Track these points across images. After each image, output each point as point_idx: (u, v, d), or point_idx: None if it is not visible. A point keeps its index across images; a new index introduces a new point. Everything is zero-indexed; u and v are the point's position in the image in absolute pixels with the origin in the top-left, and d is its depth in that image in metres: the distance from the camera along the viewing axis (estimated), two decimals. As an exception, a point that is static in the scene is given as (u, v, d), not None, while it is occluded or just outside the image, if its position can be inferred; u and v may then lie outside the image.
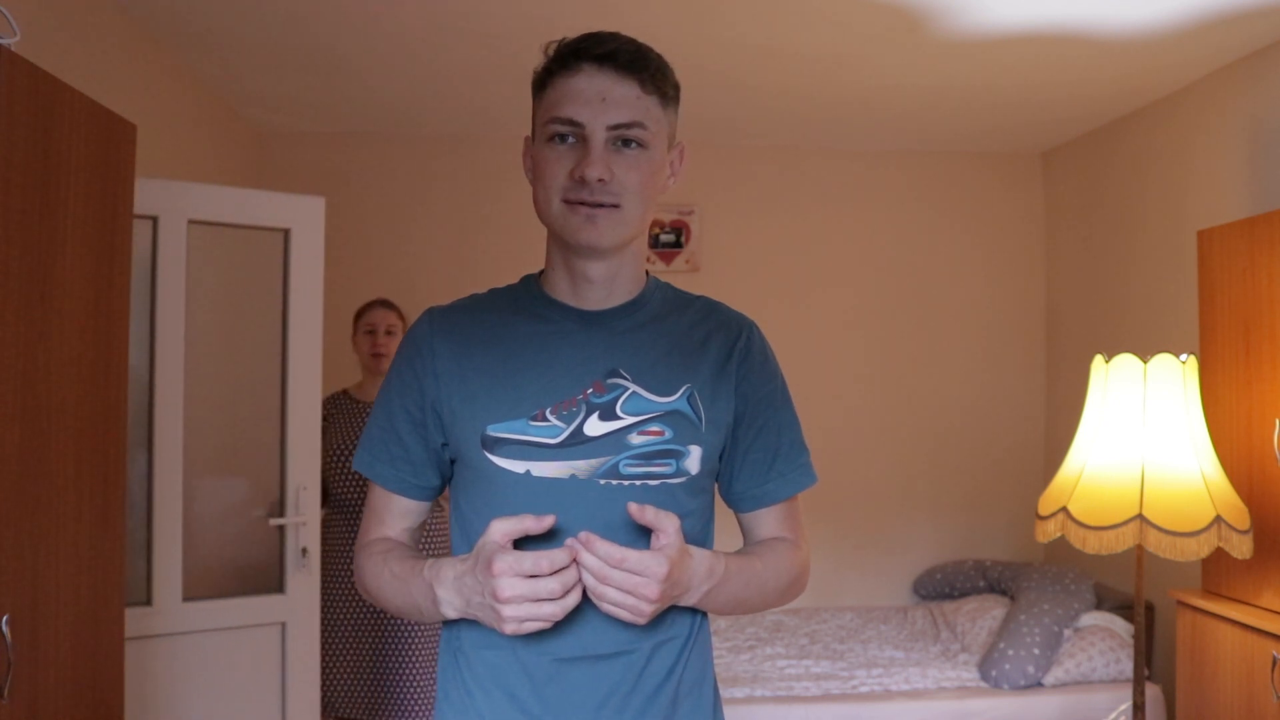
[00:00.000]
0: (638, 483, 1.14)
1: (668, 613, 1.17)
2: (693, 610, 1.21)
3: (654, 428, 1.15)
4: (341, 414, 3.24)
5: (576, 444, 1.14)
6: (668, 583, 1.04)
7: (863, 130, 4.41)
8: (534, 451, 1.15)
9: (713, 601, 1.16)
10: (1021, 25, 3.11)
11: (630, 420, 1.15)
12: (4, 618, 1.62)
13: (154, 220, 2.71)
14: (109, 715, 2.00)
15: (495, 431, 1.16)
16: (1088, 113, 4.10)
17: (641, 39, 1.21)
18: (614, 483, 1.14)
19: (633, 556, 1.02)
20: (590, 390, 1.16)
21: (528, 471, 1.15)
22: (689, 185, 4.58)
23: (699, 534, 1.22)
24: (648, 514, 1.05)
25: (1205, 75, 3.57)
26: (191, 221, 2.78)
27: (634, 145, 1.15)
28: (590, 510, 1.13)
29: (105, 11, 2.88)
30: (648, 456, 1.14)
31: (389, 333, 3.25)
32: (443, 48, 3.33)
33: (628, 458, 1.14)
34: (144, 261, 2.67)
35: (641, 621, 1.06)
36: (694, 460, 1.18)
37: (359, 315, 3.30)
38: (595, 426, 1.14)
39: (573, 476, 1.14)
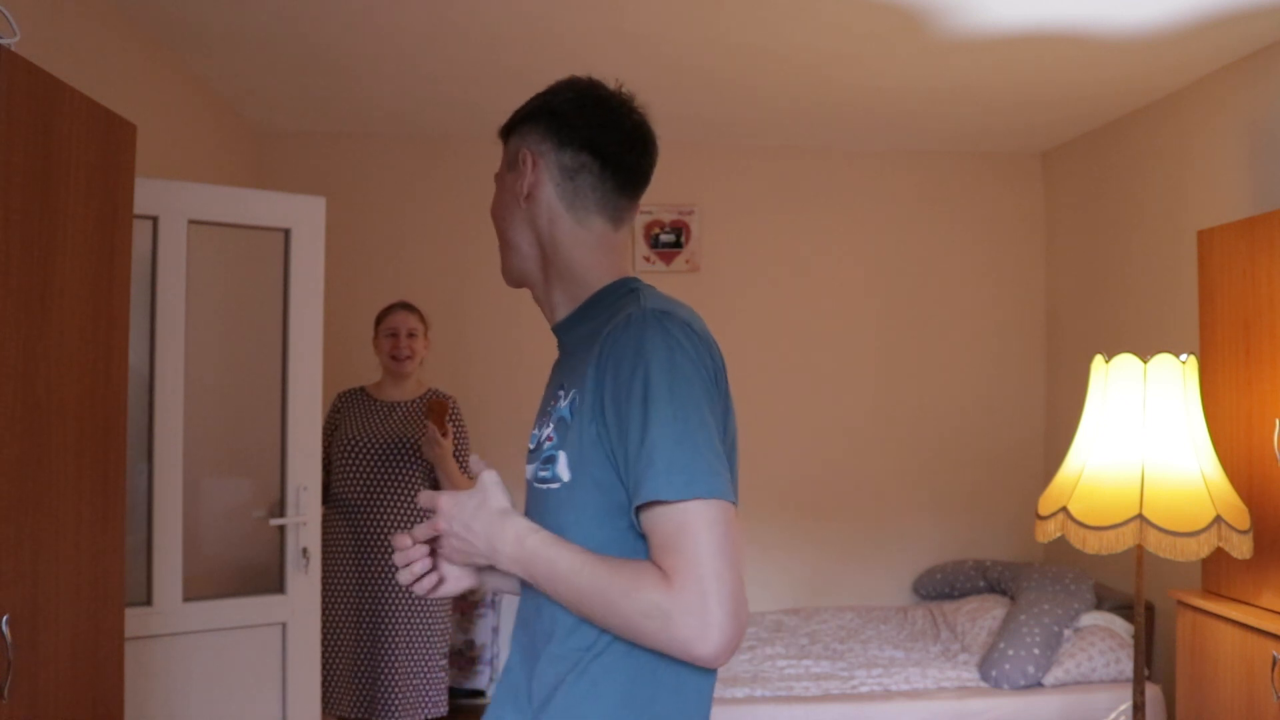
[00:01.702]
0: (543, 486, 1.18)
1: (560, 623, 1.14)
2: (599, 635, 1.12)
3: (551, 434, 1.18)
4: (355, 410, 3.24)
5: (537, 450, 1.22)
6: (452, 508, 1.18)
7: (862, 130, 4.41)
8: (527, 457, 1.29)
9: (535, 579, 1.12)
10: (1021, 25, 3.11)
11: (550, 427, 1.19)
12: (4, 618, 1.62)
13: (154, 220, 2.71)
14: (109, 715, 2.00)
15: None
16: (1088, 113, 4.10)
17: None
18: (535, 485, 1.21)
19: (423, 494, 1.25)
20: (551, 403, 1.22)
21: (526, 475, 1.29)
22: (689, 185, 4.59)
23: (606, 550, 1.10)
24: (421, 498, 1.24)
25: (1205, 75, 3.57)
26: (191, 221, 2.78)
27: None
28: (530, 511, 1.23)
29: (105, 11, 2.88)
30: (544, 461, 1.18)
31: (410, 335, 3.24)
32: (443, 48, 3.33)
33: (539, 463, 1.20)
34: (144, 261, 2.67)
35: (453, 556, 1.21)
36: (563, 466, 1.14)
37: (380, 318, 3.30)
38: (543, 435, 1.21)
39: (530, 480, 1.24)
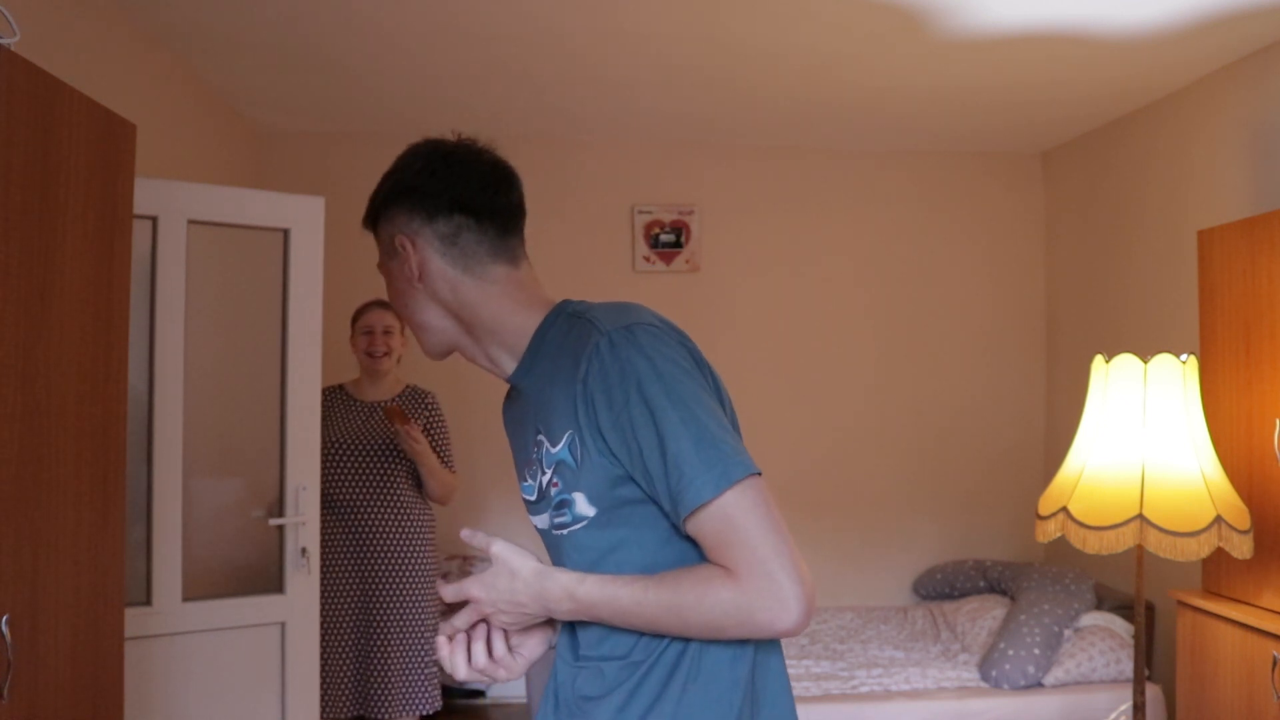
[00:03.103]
0: (564, 532, 1.17)
1: (640, 637, 1.15)
2: (667, 642, 1.14)
3: (554, 479, 1.17)
4: (339, 409, 3.24)
5: (542, 499, 1.21)
6: (488, 594, 1.16)
7: (862, 130, 4.41)
8: (528, 506, 1.27)
9: (601, 620, 1.13)
10: (1021, 25, 3.11)
11: (549, 474, 1.18)
12: (4, 618, 1.62)
13: (154, 220, 2.71)
14: (109, 715, 2.00)
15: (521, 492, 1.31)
16: (1088, 113, 4.10)
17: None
18: (555, 533, 1.20)
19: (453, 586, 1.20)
20: (534, 449, 1.21)
21: (534, 524, 1.27)
22: (689, 185, 4.59)
23: (640, 565, 1.13)
24: (445, 594, 1.19)
25: (1205, 75, 3.57)
26: (191, 221, 2.78)
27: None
28: (558, 558, 1.22)
29: (105, 11, 2.88)
30: (557, 507, 1.17)
31: (386, 333, 3.27)
32: (442, 48, 3.33)
33: (551, 510, 1.18)
34: (144, 261, 2.67)
35: (511, 629, 1.20)
36: (582, 504, 1.14)
37: (356, 317, 3.32)
38: (544, 482, 1.19)
39: (546, 529, 1.22)
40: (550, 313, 1.23)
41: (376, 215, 1.28)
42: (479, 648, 1.20)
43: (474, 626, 1.21)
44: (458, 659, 1.20)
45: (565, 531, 1.16)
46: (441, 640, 1.21)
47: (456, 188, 1.22)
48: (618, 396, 1.08)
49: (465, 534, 1.21)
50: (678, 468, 1.05)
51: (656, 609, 1.08)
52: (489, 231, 1.23)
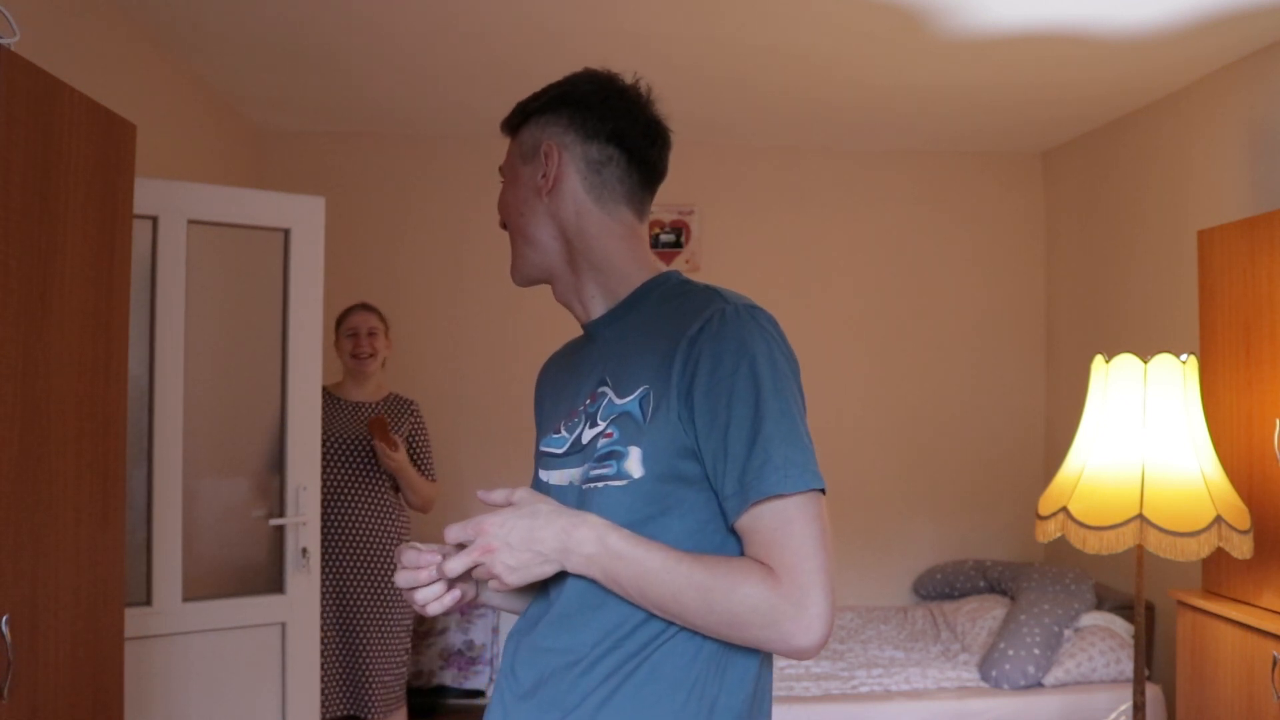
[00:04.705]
0: (599, 485, 1.11)
1: (624, 622, 1.09)
2: (652, 626, 1.09)
3: (609, 430, 1.12)
4: (324, 410, 3.25)
5: (575, 453, 1.17)
6: (501, 529, 1.07)
7: (863, 130, 4.41)
8: (548, 461, 1.23)
9: (616, 578, 1.06)
10: (1021, 25, 3.11)
11: (602, 425, 1.14)
12: (4, 618, 1.62)
13: (154, 220, 2.71)
14: (109, 715, 2.00)
15: (539, 447, 1.28)
16: (1088, 113, 4.10)
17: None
18: (584, 487, 1.14)
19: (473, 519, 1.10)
20: (588, 401, 1.18)
21: (546, 480, 1.23)
22: (689, 185, 4.59)
23: (681, 545, 1.08)
24: (450, 533, 1.10)
25: (1205, 75, 3.57)
26: (191, 221, 2.78)
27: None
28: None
29: (105, 11, 2.88)
30: (601, 459, 1.12)
31: (371, 334, 3.30)
32: (442, 48, 3.33)
33: (592, 461, 1.14)
34: (144, 261, 2.67)
35: (508, 577, 1.07)
36: (634, 462, 1.09)
37: (340, 320, 3.33)
38: (586, 434, 1.16)
39: (570, 483, 1.17)
40: (659, 274, 1.23)
41: (527, 117, 1.26)
42: (422, 593, 1.13)
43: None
44: (407, 588, 1.14)
45: (600, 485, 1.11)
46: (409, 555, 1.13)
47: (622, 120, 1.23)
48: (727, 363, 1.06)
49: (481, 494, 1.14)
50: (765, 450, 1.03)
51: (685, 583, 1.03)
52: (633, 175, 1.24)
